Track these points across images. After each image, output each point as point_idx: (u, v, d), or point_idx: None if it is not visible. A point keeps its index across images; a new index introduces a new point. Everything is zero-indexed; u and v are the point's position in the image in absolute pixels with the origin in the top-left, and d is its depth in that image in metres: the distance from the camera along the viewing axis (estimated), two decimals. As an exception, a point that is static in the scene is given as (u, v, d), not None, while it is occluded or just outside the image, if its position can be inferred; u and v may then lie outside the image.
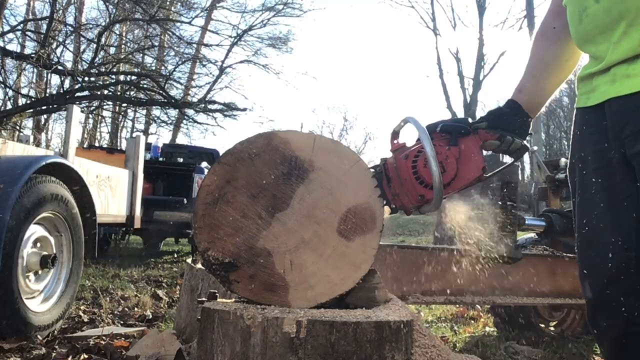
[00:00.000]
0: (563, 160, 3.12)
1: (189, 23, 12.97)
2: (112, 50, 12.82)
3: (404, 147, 1.33)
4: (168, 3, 12.72)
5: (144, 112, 17.55)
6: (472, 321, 3.59)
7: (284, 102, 51.91)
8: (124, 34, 14.73)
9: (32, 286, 2.52)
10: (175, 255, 8.22)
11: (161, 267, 6.50)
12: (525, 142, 1.44)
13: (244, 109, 11.84)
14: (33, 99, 9.66)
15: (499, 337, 2.99)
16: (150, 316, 3.17)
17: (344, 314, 1.06)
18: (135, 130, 19.57)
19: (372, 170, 1.29)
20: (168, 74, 11.47)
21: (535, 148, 3.65)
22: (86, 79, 8.83)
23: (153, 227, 7.02)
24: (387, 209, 1.31)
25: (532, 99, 1.46)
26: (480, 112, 25.04)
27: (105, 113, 15.96)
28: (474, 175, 1.32)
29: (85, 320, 2.97)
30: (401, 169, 1.28)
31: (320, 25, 68.64)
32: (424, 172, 1.26)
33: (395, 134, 1.38)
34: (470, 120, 1.38)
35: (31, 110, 8.73)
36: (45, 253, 2.56)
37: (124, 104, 13.30)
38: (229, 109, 11.29)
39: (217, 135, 33.48)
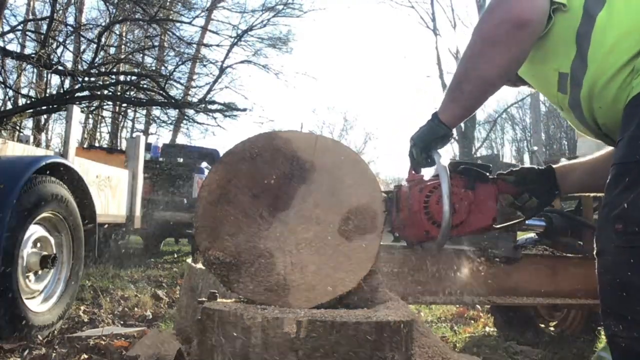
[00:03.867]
0: (563, 160, 3.11)
1: (189, 23, 12.98)
2: (112, 50, 12.82)
3: (420, 179, 1.32)
4: (168, 3, 12.71)
5: (144, 112, 17.54)
6: (472, 321, 3.58)
7: (284, 102, 51.86)
8: (124, 34, 14.72)
9: (32, 286, 2.52)
10: (175, 255, 8.21)
11: (161, 267, 6.50)
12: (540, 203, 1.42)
13: (244, 109, 11.83)
14: (33, 99, 9.67)
15: (499, 337, 2.99)
16: (150, 316, 3.17)
17: (344, 314, 1.05)
18: (135, 130, 19.55)
19: (385, 195, 1.28)
20: (168, 74, 11.46)
21: (536, 148, 3.65)
22: (86, 79, 8.82)
23: (153, 227, 7.01)
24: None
25: (567, 178, 1.44)
26: (479, 112, 25.00)
27: (105, 113, 15.94)
28: (483, 224, 1.30)
29: (85, 320, 2.96)
30: (413, 201, 1.27)
31: (320, 25, 68.65)
32: (435, 209, 1.24)
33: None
34: (490, 166, 1.37)
35: (31, 110, 8.72)
36: (45, 253, 2.56)
37: (124, 104, 13.28)
38: (229, 109, 11.28)
39: (217, 135, 33.51)
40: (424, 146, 1.28)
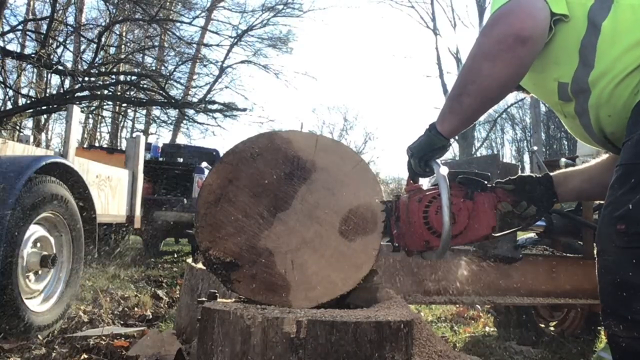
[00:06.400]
0: (563, 160, 3.12)
1: (190, 23, 13.02)
2: (112, 50, 12.82)
3: (419, 189, 1.31)
4: (168, 3, 12.71)
5: (144, 112, 17.57)
6: (472, 321, 3.59)
7: (284, 102, 51.95)
8: (124, 34, 14.72)
9: (32, 286, 2.52)
10: (175, 255, 8.21)
11: (161, 267, 6.49)
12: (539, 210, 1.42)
13: (244, 109, 11.86)
14: (33, 99, 9.66)
15: (499, 337, 2.99)
16: (150, 316, 3.16)
17: (344, 314, 1.06)
18: (135, 130, 19.56)
19: (383, 204, 1.28)
20: (168, 74, 11.49)
21: (535, 148, 3.65)
22: (86, 79, 8.83)
23: (153, 227, 7.01)
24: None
25: (564, 186, 1.44)
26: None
27: (105, 113, 15.97)
28: (483, 233, 1.30)
29: (85, 320, 2.96)
30: (412, 211, 1.27)
31: (320, 25, 68.71)
32: (434, 219, 1.24)
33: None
34: (489, 175, 1.36)
35: (31, 110, 8.72)
36: (45, 253, 2.56)
37: (124, 104, 13.30)
38: (229, 109, 11.30)
39: (217, 135, 33.32)
40: (421, 157, 1.29)
